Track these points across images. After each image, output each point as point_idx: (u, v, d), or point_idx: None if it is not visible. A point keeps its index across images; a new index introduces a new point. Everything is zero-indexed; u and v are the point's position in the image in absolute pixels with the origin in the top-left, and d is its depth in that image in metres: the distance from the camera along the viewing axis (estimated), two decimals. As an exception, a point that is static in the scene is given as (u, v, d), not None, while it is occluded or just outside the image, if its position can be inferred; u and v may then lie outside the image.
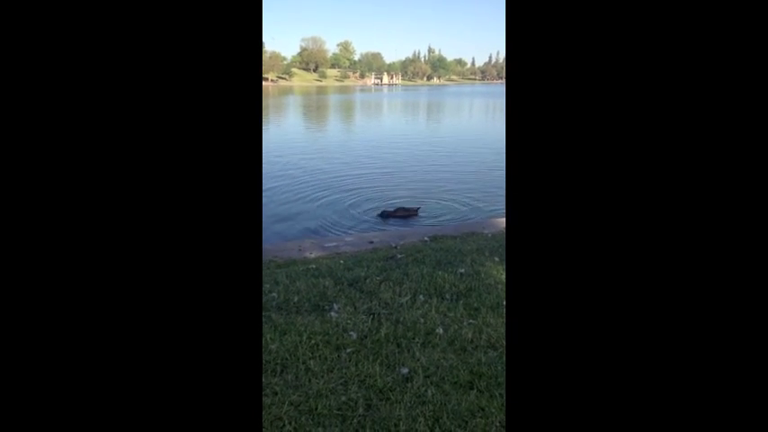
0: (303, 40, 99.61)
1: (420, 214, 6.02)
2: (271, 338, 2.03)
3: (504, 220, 4.88)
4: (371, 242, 4.23)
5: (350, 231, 5.32)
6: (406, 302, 2.46)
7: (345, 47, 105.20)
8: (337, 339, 2.04)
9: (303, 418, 1.52)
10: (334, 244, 4.28)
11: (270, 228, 5.42)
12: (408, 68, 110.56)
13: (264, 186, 7.24)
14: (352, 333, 2.10)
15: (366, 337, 2.08)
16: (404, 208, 6.06)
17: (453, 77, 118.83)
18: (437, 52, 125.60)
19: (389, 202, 6.58)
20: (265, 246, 4.45)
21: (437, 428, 1.49)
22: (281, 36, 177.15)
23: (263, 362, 1.85)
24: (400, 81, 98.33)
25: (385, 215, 5.87)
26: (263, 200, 6.46)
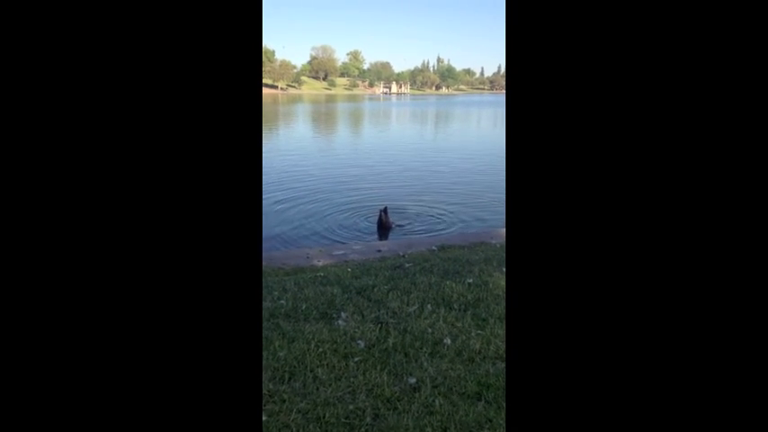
0: (313, 48, 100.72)
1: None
2: (279, 346, 2.03)
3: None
4: (379, 251, 4.23)
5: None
6: (414, 312, 2.46)
7: (355, 56, 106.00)
8: (345, 348, 2.04)
9: (311, 426, 1.52)
10: (342, 252, 4.28)
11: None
12: (417, 78, 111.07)
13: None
14: (359, 342, 2.11)
15: (374, 346, 2.08)
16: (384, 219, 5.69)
17: (462, 87, 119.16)
18: (446, 62, 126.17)
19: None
20: (274, 252, 4.47)
21: (445, 439, 1.49)
22: (291, 45, 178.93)
23: (272, 369, 1.86)
24: (409, 90, 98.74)
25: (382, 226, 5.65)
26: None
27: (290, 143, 15.04)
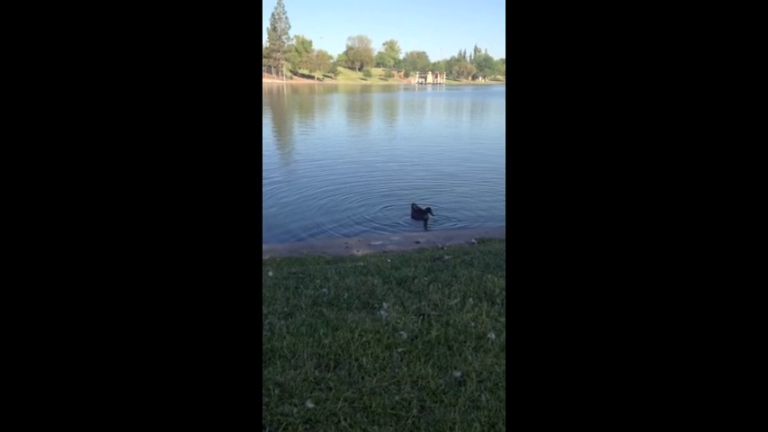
0: (349, 38, 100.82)
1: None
2: (324, 333, 2.05)
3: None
4: (418, 242, 4.22)
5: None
6: (456, 305, 2.43)
7: (391, 46, 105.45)
8: (388, 338, 2.04)
9: (358, 415, 1.53)
10: (381, 242, 4.29)
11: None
12: (453, 68, 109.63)
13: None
14: (402, 333, 2.10)
15: (416, 337, 2.07)
16: (419, 210, 5.69)
17: (498, 77, 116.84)
18: (483, 52, 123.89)
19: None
20: (312, 241, 4.53)
21: (492, 435, 1.47)
22: (328, 35, 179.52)
23: (317, 356, 1.88)
24: (444, 80, 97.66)
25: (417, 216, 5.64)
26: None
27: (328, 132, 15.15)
